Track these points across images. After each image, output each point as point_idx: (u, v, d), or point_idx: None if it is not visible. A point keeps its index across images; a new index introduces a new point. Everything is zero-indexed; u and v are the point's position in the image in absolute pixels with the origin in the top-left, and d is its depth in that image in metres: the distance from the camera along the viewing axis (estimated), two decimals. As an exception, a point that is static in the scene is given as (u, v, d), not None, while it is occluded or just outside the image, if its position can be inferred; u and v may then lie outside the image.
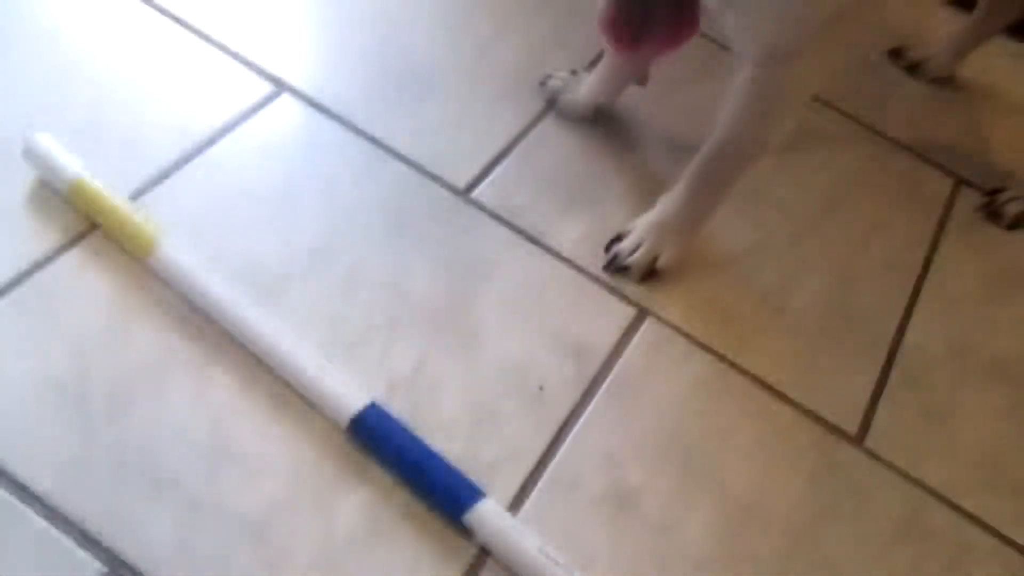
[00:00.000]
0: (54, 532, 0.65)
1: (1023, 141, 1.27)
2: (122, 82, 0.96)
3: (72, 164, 0.83)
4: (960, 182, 1.19)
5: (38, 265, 0.79)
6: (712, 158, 0.88)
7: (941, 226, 1.13)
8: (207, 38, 1.03)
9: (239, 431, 0.74)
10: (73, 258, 0.81)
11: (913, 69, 1.31)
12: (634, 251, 0.93)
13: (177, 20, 1.04)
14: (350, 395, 0.76)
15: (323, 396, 0.76)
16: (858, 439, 0.89)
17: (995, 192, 1.17)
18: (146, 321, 0.78)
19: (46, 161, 0.84)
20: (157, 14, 1.03)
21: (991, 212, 1.16)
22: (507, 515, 0.73)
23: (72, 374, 0.73)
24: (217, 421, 0.74)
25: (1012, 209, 1.14)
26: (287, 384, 0.77)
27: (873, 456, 0.88)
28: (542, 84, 1.09)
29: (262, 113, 0.98)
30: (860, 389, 0.93)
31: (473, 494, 0.72)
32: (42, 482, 0.67)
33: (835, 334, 0.97)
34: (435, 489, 0.73)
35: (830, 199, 1.11)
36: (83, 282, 0.79)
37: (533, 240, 0.95)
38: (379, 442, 0.75)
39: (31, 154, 0.84)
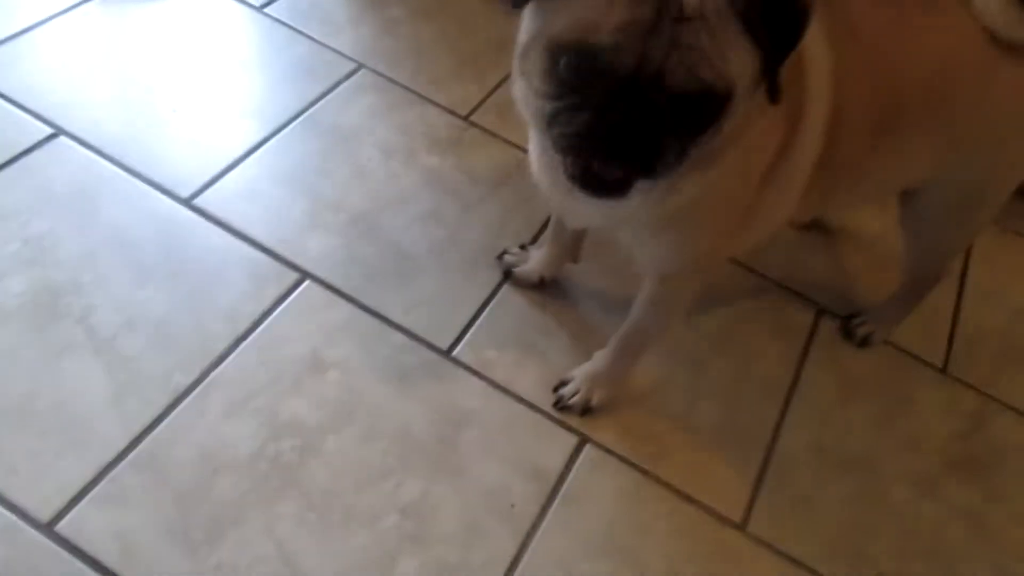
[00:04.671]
0: None
1: (872, 275, 1.63)
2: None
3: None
4: (822, 311, 1.55)
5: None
6: (629, 335, 1.22)
7: (807, 347, 1.49)
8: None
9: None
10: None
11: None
12: (575, 394, 1.26)
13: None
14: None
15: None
16: (742, 525, 1.22)
17: (850, 317, 1.53)
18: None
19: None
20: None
21: (846, 333, 1.52)
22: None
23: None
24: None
25: (862, 331, 1.50)
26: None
27: (754, 538, 1.21)
28: (499, 258, 1.43)
29: (290, 300, 1.31)
30: (744, 486, 1.27)
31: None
32: None
33: (726, 444, 1.31)
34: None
35: (719, 337, 1.45)
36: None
37: (500, 388, 1.28)
38: None
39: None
